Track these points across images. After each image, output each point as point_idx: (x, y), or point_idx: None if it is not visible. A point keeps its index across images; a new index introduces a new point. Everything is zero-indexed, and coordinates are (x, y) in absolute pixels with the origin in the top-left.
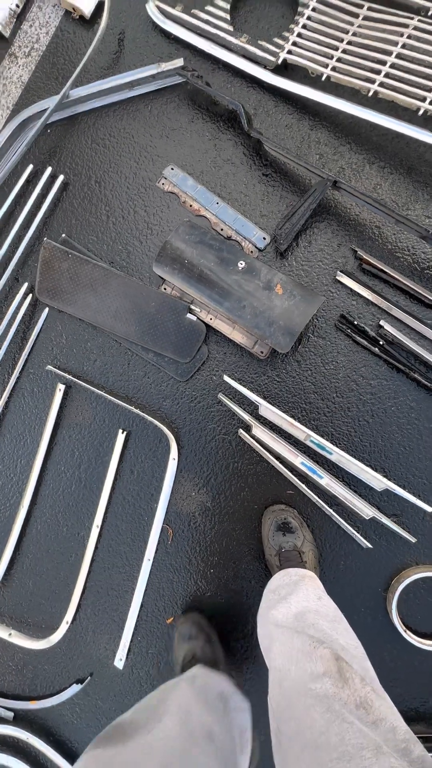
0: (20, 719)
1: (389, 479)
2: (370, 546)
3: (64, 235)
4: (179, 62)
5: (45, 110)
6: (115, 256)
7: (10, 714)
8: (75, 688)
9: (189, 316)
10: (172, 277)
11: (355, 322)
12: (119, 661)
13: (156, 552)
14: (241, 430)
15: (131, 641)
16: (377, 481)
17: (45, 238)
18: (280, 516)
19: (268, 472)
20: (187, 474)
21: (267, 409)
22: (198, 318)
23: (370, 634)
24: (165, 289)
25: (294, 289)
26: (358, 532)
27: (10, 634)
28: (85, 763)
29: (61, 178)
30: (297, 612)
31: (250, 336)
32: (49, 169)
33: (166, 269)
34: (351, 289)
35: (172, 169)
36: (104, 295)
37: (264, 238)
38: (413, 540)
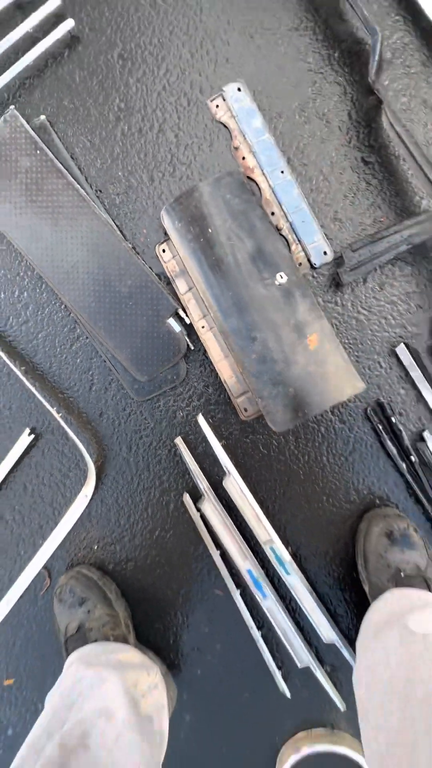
0: None
1: (343, 633)
2: (288, 696)
3: (43, 117)
4: None
5: None
6: (107, 185)
7: None
8: None
9: (171, 321)
10: (180, 241)
11: (392, 419)
12: None
13: (20, 598)
14: (187, 496)
15: None
16: (328, 631)
17: (12, 107)
18: (396, 525)
19: (200, 558)
20: (97, 520)
21: (234, 485)
22: (183, 329)
23: None
24: (162, 259)
25: (332, 352)
26: (280, 671)
27: None
28: None
29: (70, 23)
30: None
31: (242, 381)
32: (57, 2)
33: (177, 226)
34: (406, 373)
35: (239, 89)
36: (65, 233)
37: (325, 253)
38: (342, 708)
